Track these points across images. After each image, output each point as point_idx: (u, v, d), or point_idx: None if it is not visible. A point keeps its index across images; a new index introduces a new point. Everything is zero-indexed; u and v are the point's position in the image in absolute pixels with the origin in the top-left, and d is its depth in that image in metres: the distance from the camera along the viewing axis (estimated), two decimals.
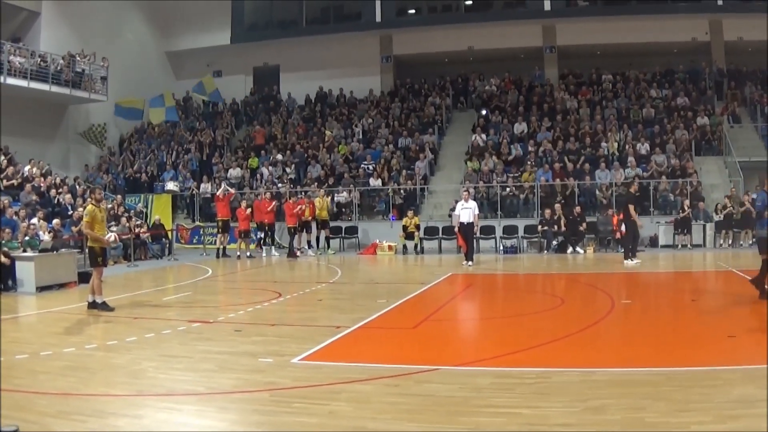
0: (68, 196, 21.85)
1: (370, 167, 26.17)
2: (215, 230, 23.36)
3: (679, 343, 8.29)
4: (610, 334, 9.30)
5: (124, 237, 19.68)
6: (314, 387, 6.62)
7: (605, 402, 5.82)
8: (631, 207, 17.89)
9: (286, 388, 6.63)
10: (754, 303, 10.24)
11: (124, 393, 6.55)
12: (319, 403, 6.06)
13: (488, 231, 22.47)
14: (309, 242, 22.89)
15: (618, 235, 21.02)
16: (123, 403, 6.24)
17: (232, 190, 23.94)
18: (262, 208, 22.44)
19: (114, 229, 15.34)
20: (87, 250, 12.40)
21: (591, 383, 6.41)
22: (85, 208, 13.45)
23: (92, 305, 11.56)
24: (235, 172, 26.82)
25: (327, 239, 23.13)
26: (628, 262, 17.36)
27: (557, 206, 21.82)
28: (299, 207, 22.05)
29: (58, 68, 25.69)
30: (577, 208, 21.76)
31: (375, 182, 25.46)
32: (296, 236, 22.14)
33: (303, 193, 23.99)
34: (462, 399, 6.10)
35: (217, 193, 22.86)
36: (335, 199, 24.83)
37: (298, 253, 21.64)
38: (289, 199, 22.64)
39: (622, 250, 18.50)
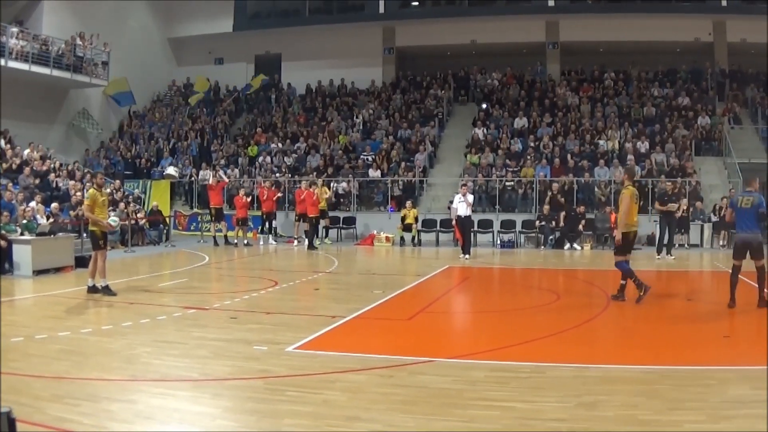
0: (71, 182, 21.74)
1: (370, 158, 26.13)
2: (208, 218, 23.23)
3: (674, 342, 8.30)
4: (605, 330, 9.32)
5: (121, 222, 19.68)
6: (308, 376, 6.63)
7: (599, 398, 5.84)
8: None
9: (281, 376, 6.64)
10: (748, 304, 10.20)
11: (119, 378, 6.56)
12: (313, 392, 6.08)
13: (486, 225, 22.42)
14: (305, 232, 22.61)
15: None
16: (117, 388, 6.25)
17: (225, 179, 23.82)
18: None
19: (113, 216, 15.24)
20: (89, 234, 12.40)
21: (585, 379, 6.43)
22: (86, 191, 13.45)
23: (92, 289, 11.57)
24: (232, 172, 26.57)
25: (325, 229, 23.08)
26: None
27: (560, 199, 21.84)
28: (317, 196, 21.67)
29: (60, 52, 25.57)
30: (581, 208, 21.76)
31: (374, 173, 25.42)
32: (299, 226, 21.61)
33: (301, 182, 23.82)
34: (456, 391, 6.12)
35: (210, 182, 22.76)
36: (333, 188, 24.70)
37: (295, 243, 21.48)
38: (310, 187, 21.73)
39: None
